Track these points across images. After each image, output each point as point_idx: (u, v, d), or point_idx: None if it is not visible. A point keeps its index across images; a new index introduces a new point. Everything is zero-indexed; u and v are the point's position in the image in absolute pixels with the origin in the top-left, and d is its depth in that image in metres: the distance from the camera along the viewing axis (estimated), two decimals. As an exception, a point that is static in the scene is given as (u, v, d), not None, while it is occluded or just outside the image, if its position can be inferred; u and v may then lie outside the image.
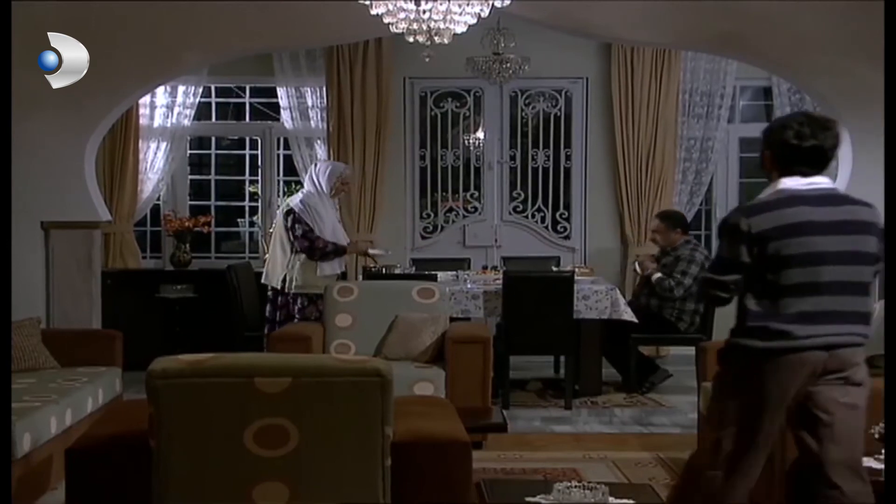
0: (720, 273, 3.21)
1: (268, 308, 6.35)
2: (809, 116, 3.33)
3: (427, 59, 4.31)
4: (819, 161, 3.25)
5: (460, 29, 4.00)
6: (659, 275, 6.82)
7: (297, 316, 6.18)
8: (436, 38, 3.89)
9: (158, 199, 8.29)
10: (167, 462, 2.92)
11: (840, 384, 3.17)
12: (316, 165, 6.54)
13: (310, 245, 6.13)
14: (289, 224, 6.17)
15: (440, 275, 6.85)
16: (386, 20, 3.95)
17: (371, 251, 6.87)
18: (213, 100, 8.45)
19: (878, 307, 4.75)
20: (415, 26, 3.84)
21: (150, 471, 2.93)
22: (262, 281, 6.43)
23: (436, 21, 3.80)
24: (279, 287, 6.23)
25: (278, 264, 6.26)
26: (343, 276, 6.49)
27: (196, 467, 2.93)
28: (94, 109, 5.90)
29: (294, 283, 6.18)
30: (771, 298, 3.16)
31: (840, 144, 3.41)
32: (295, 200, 6.28)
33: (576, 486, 3.16)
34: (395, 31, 4.06)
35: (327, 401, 2.95)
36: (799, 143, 3.19)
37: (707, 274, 3.37)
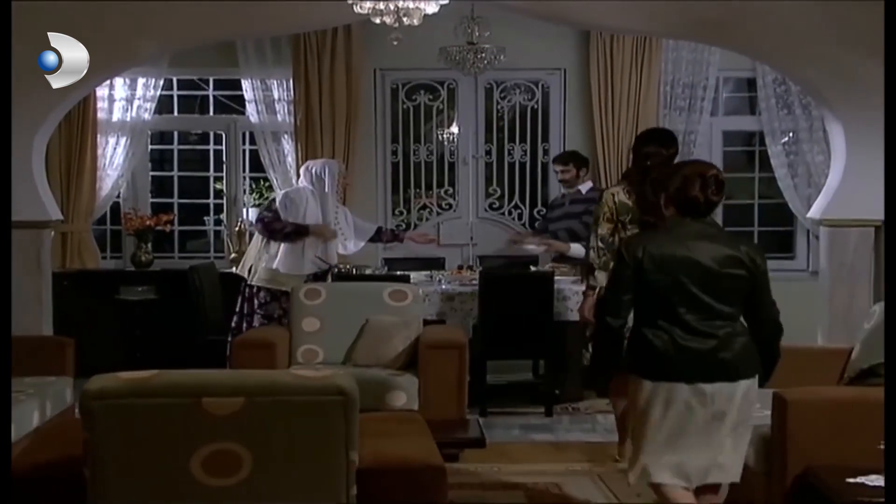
0: None
1: (238, 299, 6.24)
2: None
3: (395, 43, 3.97)
4: None
5: (431, 9, 3.68)
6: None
7: (259, 311, 6.07)
8: (405, 20, 3.57)
9: (118, 197, 7.98)
10: (103, 494, 2.63)
11: None
12: (309, 167, 6.28)
13: (263, 227, 6.04)
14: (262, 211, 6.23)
15: (413, 275, 6.67)
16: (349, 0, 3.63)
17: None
18: (175, 92, 8.14)
19: (877, 309, 4.51)
20: (381, 6, 3.52)
21: (84, 504, 2.64)
22: (236, 270, 6.43)
23: (404, 0, 3.49)
24: (246, 276, 6.19)
25: (251, 254, 6.26)
26: (315, 278, 6.17)
27: (136, 500, 2.64)
28: (41, 103, 5.55)
29: (257, 276, 6.11)
30: None
31: None
32: (281, 191, 6.28)
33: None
34: (360, 11, 3.73)
35: (284, 423, 2.69)
36: None
37: None
